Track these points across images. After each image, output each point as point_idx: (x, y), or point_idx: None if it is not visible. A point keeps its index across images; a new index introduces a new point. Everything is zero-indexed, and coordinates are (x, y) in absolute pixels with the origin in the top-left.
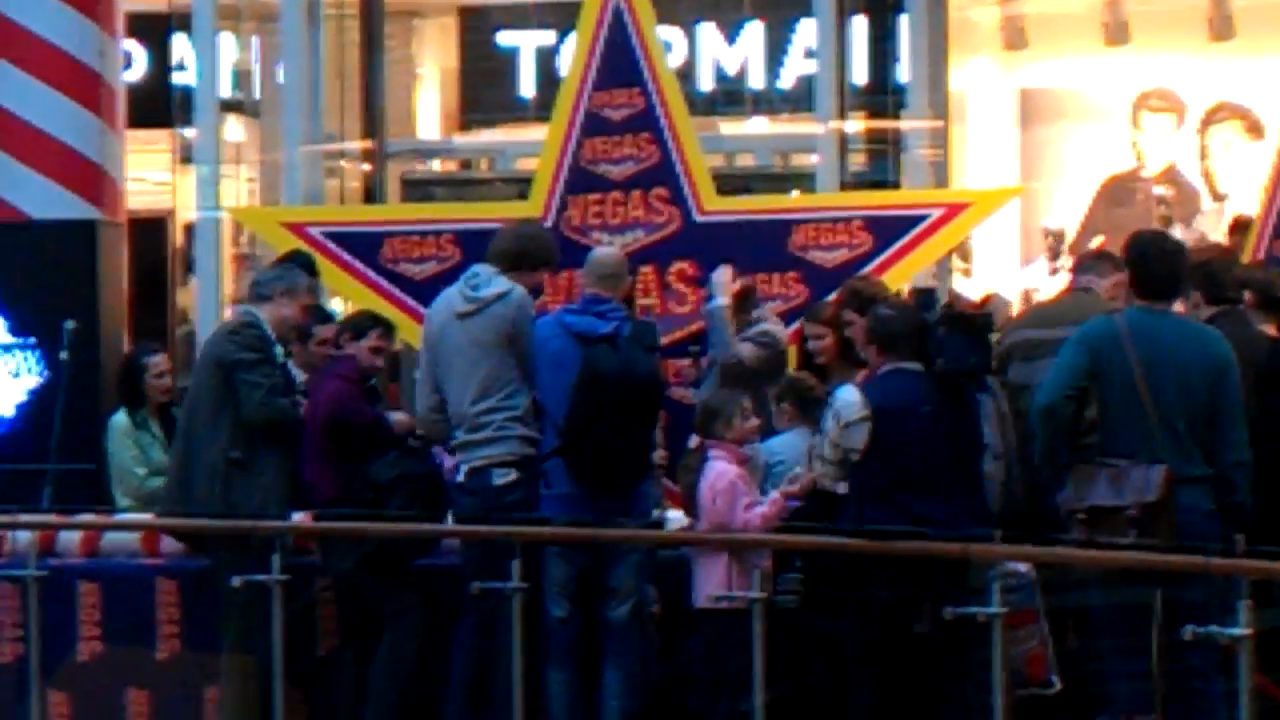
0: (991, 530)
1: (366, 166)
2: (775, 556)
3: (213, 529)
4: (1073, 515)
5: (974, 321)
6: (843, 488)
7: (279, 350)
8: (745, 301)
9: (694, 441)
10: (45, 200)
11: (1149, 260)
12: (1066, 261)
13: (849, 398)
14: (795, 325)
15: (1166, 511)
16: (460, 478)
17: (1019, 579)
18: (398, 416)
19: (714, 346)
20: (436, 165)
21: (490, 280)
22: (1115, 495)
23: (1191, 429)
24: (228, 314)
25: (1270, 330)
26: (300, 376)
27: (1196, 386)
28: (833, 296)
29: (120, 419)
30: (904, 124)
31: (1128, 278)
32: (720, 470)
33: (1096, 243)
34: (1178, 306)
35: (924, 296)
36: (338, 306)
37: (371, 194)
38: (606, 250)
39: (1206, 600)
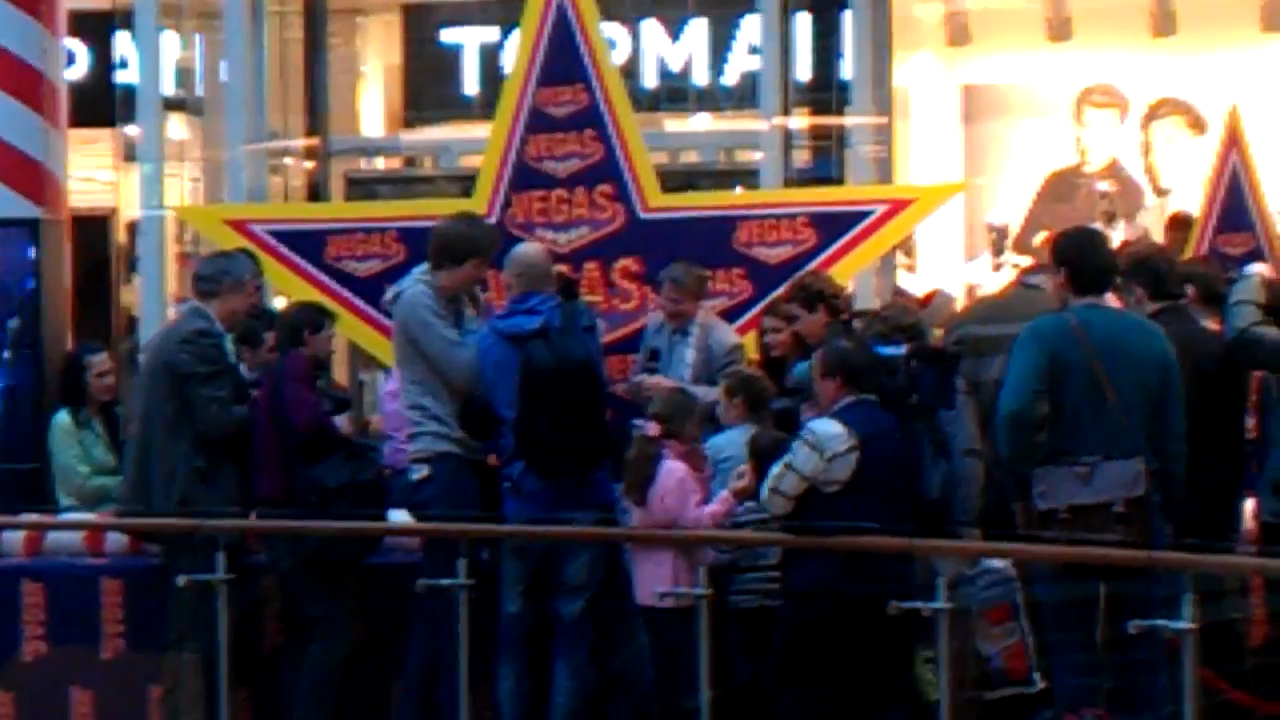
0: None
1: (310, 164)
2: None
3: (157, 527)
4: (1052, 516)
5: (944, 357)
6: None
7: (229, 347)
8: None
9: (652, 429)
10: None
11: (1085, 256)
12: (1010, 257)
13: (830, 430)
14: (741, 321)
15: (1146, 506)
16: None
17: (997, 575)
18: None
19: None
20: (380, 163)
21: (401, 281)
22: (1091, 493)
23: (1144, 422)
24: (172, 311)
25: (1212, 325)
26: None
27: (1149, 379)
28: (780, 291)
29: (62, 418)
30: (848, 120)
31: (1063, 276)
32: (669, 468)
33: (1040, 239)
34: (1115, 301)
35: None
36: (281, 304)
37: (315, 192)
38: (527, 247)
39: (1152, 594)
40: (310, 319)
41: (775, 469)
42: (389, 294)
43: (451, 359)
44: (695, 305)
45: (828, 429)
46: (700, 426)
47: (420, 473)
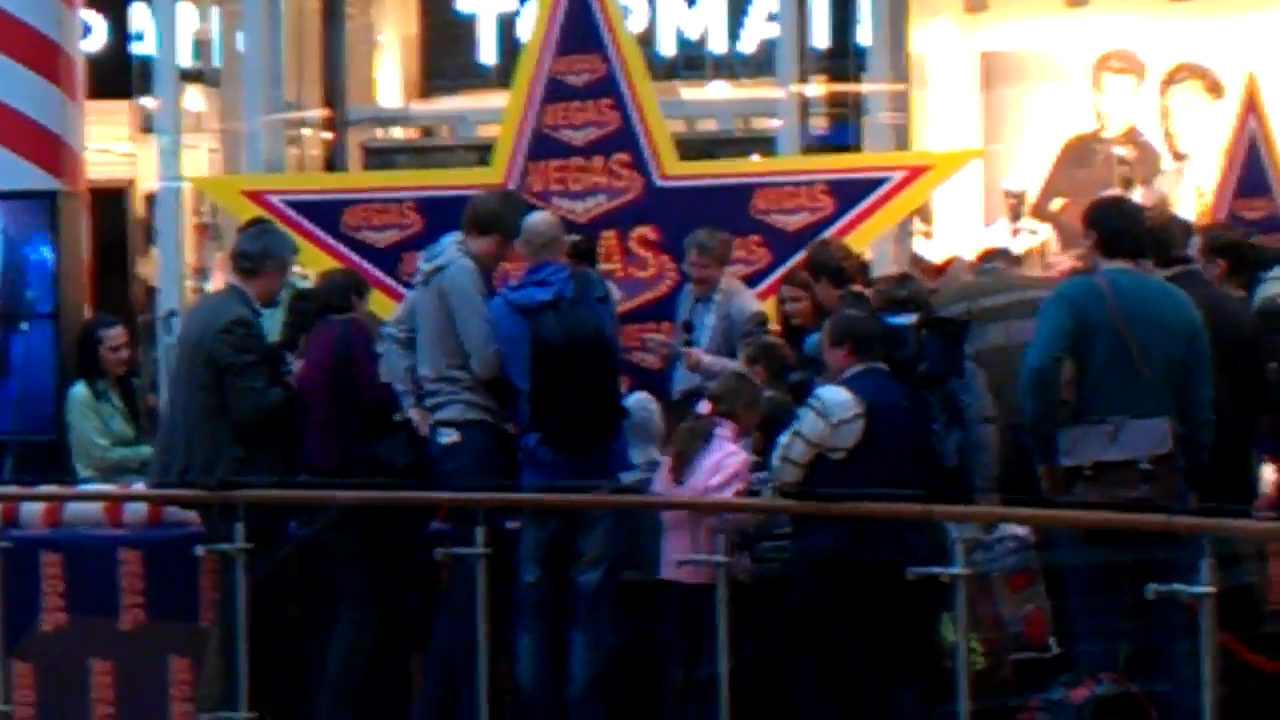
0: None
1: (327, 135)
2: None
3: (175, 499)
4: (1076, 473)
5: (953, 326)
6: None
7: (267, 326)
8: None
9: (704, 407)
10: (5, 171)
11: (1115, 221)
12: (1028, 222)
13: (837, 397)
14: (760, 287)
15: (1172, 464)
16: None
17: (1018, 542)
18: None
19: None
20: (397, 133)
21: (443, 251)
22: (1118, 449)
23: (1170, 386)
24: (213, 285)
25: (1237, 291)
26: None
27: (1175, 344)
28: (797, 259)
29: (80, 390)
30: (865, 87)
31: (1093, 241)
32: (731, 450)
33: (1058, 204)
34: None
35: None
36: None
37: (332, 162)
38: (537, 217)
39: (1174, 559)
40: (355, 283)
41: (784, 437)
42: (426, 264)
43: (483, 351)
44: (720, 270)
45: (835, 396)
46: (758, 411)
47: (450, 436)
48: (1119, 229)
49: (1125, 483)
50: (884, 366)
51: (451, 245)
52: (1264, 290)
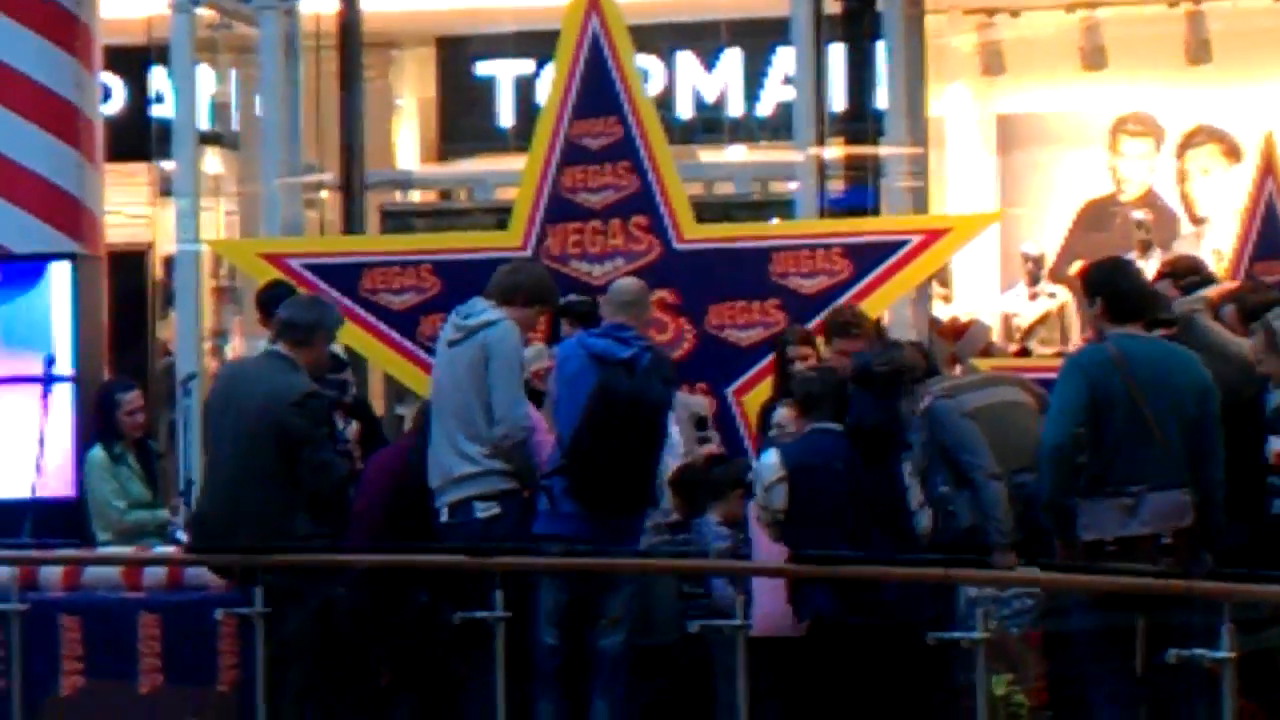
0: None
1: (345, 197)
2: None
3: (197, 561)
4: (1097, 548)
5: (882, 379)
6: None
7: None
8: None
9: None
10: (24, 234)
11: (1120, 283)
12: (1046, 286)
13: (766, 460)
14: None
15: (1192, 537)
16: (444, 517)
17: (1036, 599)
18: None
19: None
20: (415, 196)
21: (483, 310)
22: (1138, 524)
23: (1185, 451)
24: (233, 348)
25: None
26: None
27: (1188, 408)
28: (814, 323)
29: (97, 454)
30: (883, 150)
31: (1100, 308)
32: None
33: (1076, 267)
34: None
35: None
36: None
37: (350, 225)
38: (628, 280)
39: (1190, 623)
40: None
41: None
42: (463, 320)
43: (514, 415)
44: None
45: (765, 459)
46: None
47: (489, 510)
48: (1125, 291)
49: (1147, 557)
50: (835, 427)
51: (489, 306)
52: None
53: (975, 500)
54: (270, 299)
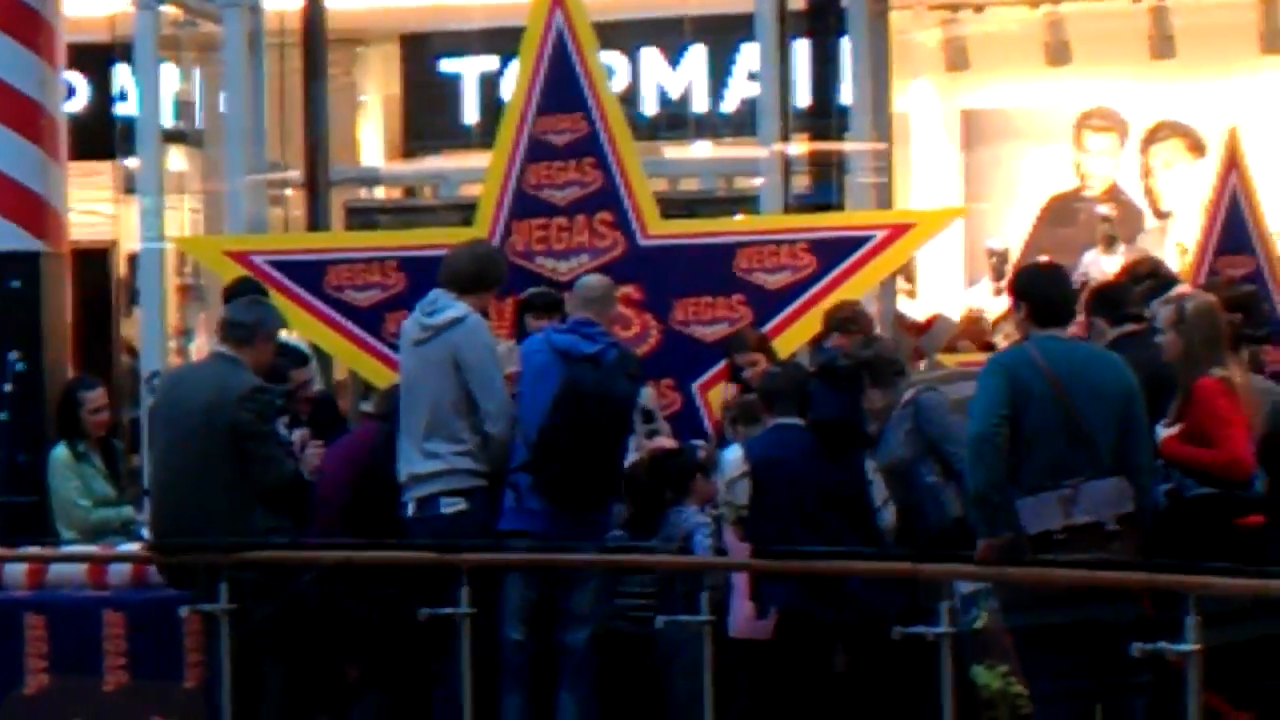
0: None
1: (310, 195)
2: None
3: (161, 561)
4: (1046, 539)
5: (844, 375)
6: None
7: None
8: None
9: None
10: None
11: (1044, 289)
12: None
13: (730, 456)
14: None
15: (1135, 522)
16: (410, 511)
17: None
18: None
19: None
20: (380, 193)
21: (447, 306)
22: (1081, 513)
23: (1109, 450)
24: (198, 346)
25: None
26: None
27: (1111, 408)
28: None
29: (61, 452)
30: (847, 146)
31: (1025, 312)
32: None
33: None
34: (1074, 330)
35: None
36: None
37: (315, 222)
38: (593, 277)
39: (1139, 616)
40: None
41: None
42: (429, 319)
43: (505, 409)
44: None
45: (728, 455)
46: None
47: (455, 506)
48: (1049, 297)
49: (1094, 545)
50: (797, 421)
51: (451, 299)
52: None
53: (963, 490)
54: (236, 296)
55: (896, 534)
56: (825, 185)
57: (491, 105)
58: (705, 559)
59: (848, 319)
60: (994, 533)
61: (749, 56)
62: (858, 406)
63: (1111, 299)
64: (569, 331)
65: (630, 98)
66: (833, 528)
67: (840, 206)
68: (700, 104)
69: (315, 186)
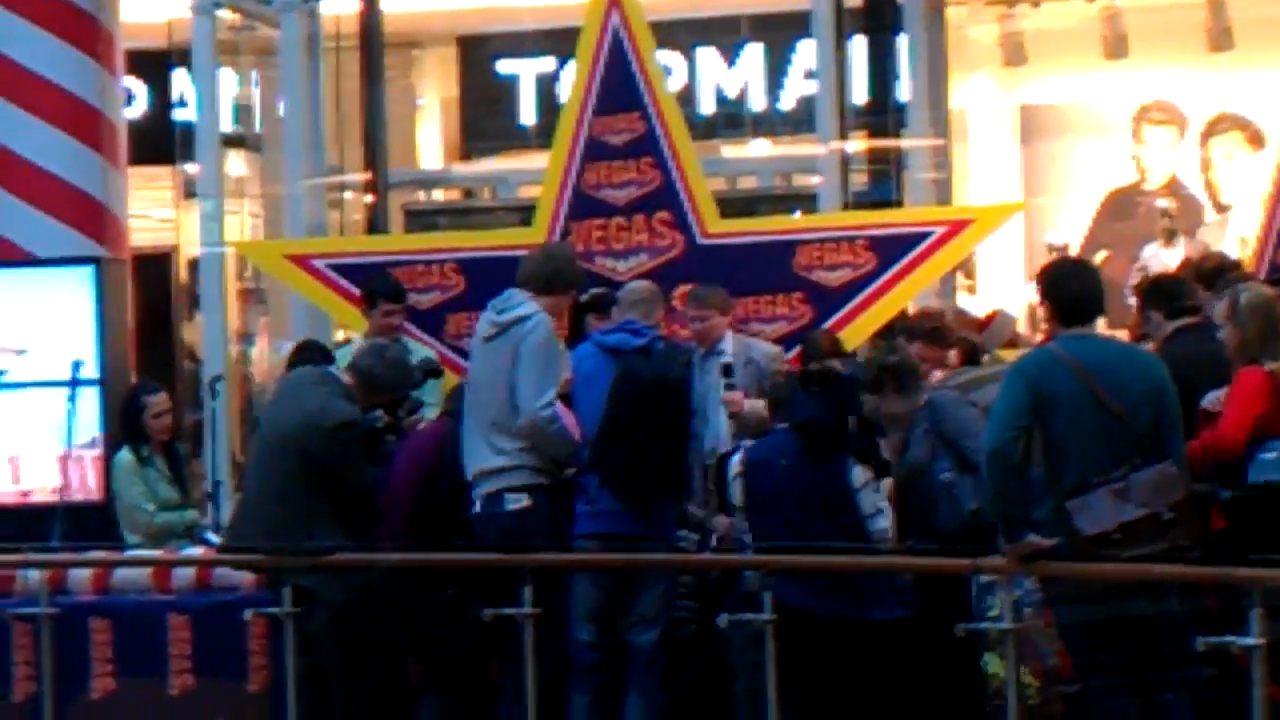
0: None
1: (369, 198)
2: None
3: (226, 562)
4: (1103, 540)
5: (834, 380)
6: None
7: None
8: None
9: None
10: (49, 238)
11: (1065, 287)
12: None
13: (735, 458)
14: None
15: (1189, 508)
16: (476, 508)
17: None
18: None
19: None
20: (439, 195)
21: (518, 304)
22: (1134, 507)
23: (1150, 441)
24: (258, 350)
25: None
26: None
27: (1144, 403)
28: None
29: (125, 457)
30: (905, 142)
31: (1049, 311)
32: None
33: (1101, 257)
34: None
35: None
36: (340, 337)
37: (374, 225)
38: (638, 282)
39: (1189, 611)
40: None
41: None
42: (499, 316)
43: (536, 405)
44: (723, 320)
45: (735, 456)
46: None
47: (519, 502)
48: (1072, 294)
49: (1153, 537)
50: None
51: (525, 299)
52: None
53: (979, 484)
54: (372, 289)
55: (913, 533)
56: (884, 182)
57: (549, 106)
58: (767, 558)
59: (935, 330)
60: (1012, 539)
61: (806, 54)
62: (844, 410)
63: (1167, 292)
64: (615, 331)
65: (687, 97)
66: (814, 528)
67: (899, 203)
68: (758, 102)
69: (374, 189)
